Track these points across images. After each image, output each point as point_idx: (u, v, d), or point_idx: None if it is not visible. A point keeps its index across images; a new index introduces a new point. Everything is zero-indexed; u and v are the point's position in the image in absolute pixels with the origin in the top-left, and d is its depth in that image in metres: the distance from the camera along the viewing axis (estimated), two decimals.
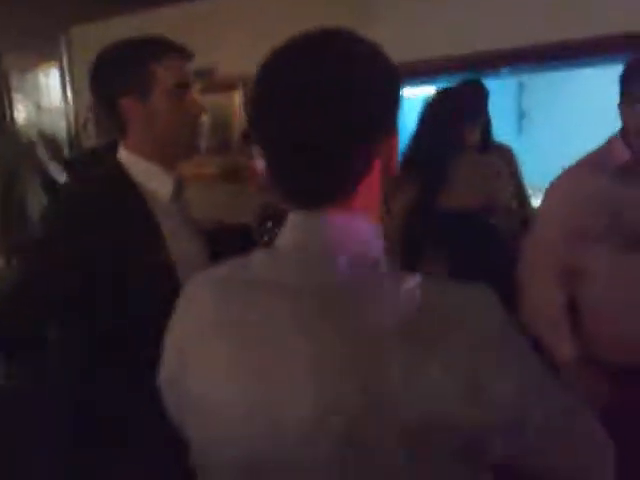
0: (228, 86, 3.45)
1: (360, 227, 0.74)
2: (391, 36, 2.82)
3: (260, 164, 2.40)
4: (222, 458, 0.74)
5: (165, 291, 1.25)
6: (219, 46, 3.45)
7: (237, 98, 3.46)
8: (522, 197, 2.98)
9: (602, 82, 2.58)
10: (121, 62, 1.30)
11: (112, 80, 1.30)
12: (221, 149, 3.56)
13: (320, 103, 0.68)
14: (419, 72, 2.82)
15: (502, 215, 2.29)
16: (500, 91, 4.25)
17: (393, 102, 0.75)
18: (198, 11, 3.49)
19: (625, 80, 1.67)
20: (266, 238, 2.50)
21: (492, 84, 3.35)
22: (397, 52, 3.19)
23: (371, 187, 0.75)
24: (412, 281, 0.69)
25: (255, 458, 0.70)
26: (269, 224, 2.53)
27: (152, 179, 1.35)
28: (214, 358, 0.74)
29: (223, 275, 0.80)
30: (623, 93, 1.67)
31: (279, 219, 2.14)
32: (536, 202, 3.75)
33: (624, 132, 1.70)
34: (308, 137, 0.69)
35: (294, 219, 0.76)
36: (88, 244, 1.20)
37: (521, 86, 4.53)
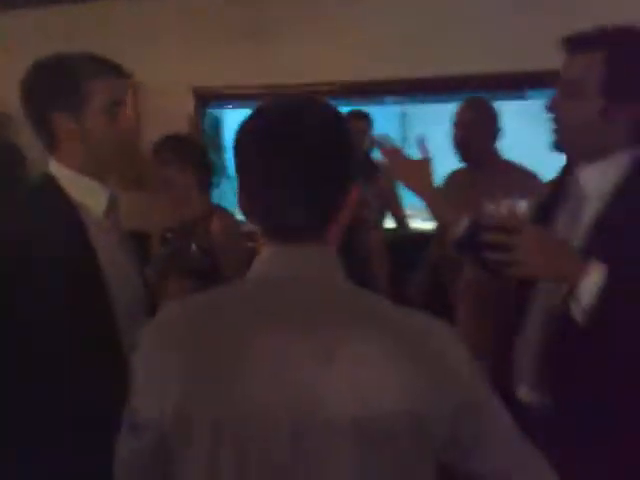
0: None
1: (332, 257, 0.89)
2: (290, 57, 2.97)
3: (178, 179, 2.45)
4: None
5: (97, 307, 1.29)
6: (108, 49, 3.38)
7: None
8: (400, 218, 3.28)
9: None
10: (54, 78, 1.29)
11: (44, 95, 1.29)
12: None
13: (307, 155, 0.82)
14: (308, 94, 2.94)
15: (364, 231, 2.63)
16: (386, 118, 4.52)
17: (354, 158, 0.90)
18: (86, 13, 3.41)
19: None
20: (163, 250, 2.51)
21: (379, 111, 3.55)
22: (294, 73, 3.29)
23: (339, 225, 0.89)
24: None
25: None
26: (169, 235, 2.55)
27: (86, 193, 1.34)
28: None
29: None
30: None
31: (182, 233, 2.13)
32: (415, 222, 4.02)
33: None
34: (297, 183, 0.82)
35: (272, 253, 0.87)
36: (20, 259, 1.20)
37: (403, 114, 4.83)
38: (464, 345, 0.86)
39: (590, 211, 1.29)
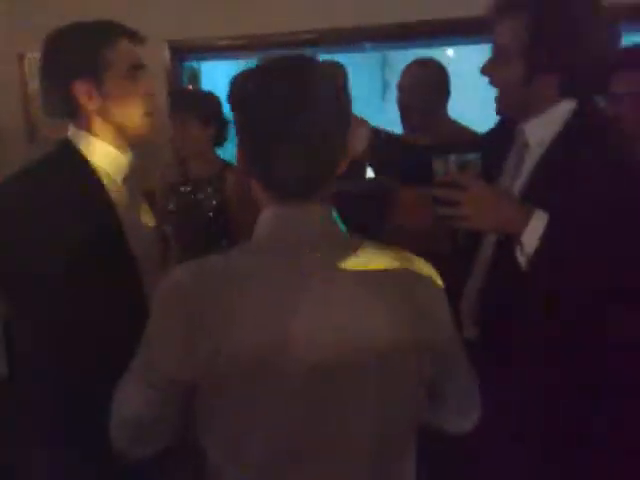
0: None
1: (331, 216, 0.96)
2: (265, 7, 2.90)
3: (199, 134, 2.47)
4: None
5: (122, 264, 1.33)
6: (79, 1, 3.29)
7: None
8: None
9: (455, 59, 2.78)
10: (73, 47, 1.31)
11: (64, 64, 1.31)
12: None
13: (310, 107, 0.87)
14: (286, 43, 2.89)
15: None
16: (367, 64, 4.46)
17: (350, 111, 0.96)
18: None
19: None
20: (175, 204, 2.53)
21: (359, 57, 3.50)
22: (271, 23, 3.23)
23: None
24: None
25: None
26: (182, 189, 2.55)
27: (106, 160, 1.36)
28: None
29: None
30: None
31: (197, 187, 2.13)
32: None
33: None
34: (301, 133, 0.87)
35: (274, 215, 0.94)
36: (44, 228, 1.22)
37: (385, 59, 4.77)
38: (443, 292, 1.00)
39: (531, 159, 1.35)
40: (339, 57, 3.28)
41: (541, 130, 1.34)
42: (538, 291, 1.25)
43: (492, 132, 1.63)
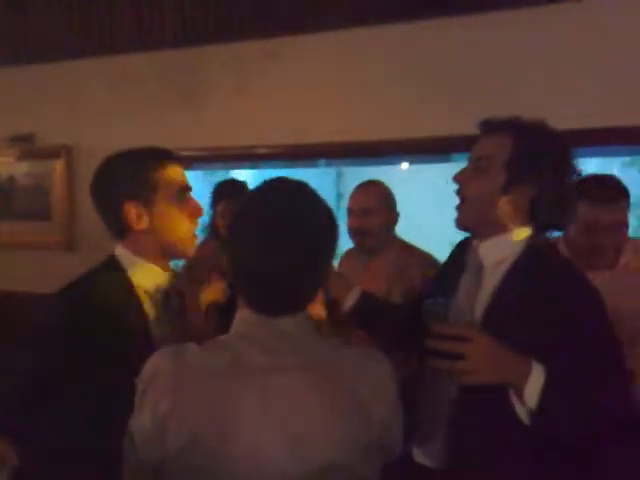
0: (50, 154, 3.36)
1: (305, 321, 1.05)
2: (218, 122, 3.01)
3: None
4: None
5: None
6: (39, 113, 3.37)
7: (59, 167, 3.35)
8: None
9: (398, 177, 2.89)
10: (128, 170, 1.40)
11: (118, 186, 1.40)
12: (38, 216, 3.44)
13: (293, 244, 0.96)
14: (246, 157, 2.99)
15: None
16: (322, 176, 4.63)
17: (335, 243, 1.04)
18: (18, 77, 3.38)
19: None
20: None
21: (314, 171, 3.62)
22: (223, 137, 3.30)
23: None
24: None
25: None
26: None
27: (148, 278, 1.44)
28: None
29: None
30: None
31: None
32: None
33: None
34: (283, 268, 0.96)
35: (250, 318, 1.03)
36: (77, 343, 1.28)
37: (339, 173, 4.96)
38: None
39: (489, 282, 1.41)
40: (293, 170, 3.40)
41: (495, 252, 1.42)
42: (533, 437, 1.27)
43: (451, 256, 1.71)
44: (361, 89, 2.75)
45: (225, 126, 3.00)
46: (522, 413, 1.26)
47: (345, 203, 2.63)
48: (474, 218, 1.46)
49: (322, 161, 3.05)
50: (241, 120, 2.97)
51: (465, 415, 1.37)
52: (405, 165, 3.60)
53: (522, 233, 1.41)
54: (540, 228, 1.43)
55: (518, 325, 1.27)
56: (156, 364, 1.02)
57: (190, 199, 1.48)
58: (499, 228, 1.42)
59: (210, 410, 0.96)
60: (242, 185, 2.85)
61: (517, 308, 1.31)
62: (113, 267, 1.44)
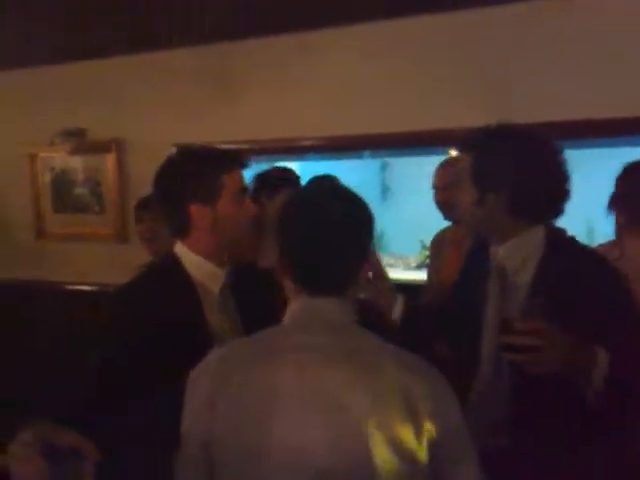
0: (101, 148, 3.45)
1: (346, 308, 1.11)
2: (254, 114, 3.04)
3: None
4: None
5: None
6: (89, 109, 3.47)
7: (110, 160, 3.44)
8: None
9: None
10: (195, 171, 1.44)
11: (184, 186, 1.43)
12: (91, 209, 3.55)
13: (338, 234, 1.08)
14: (286, 150, 3.02)
15: None
16: (366, 168, 4.60)
17: (371, 237, 1.15)
18: (69, 73, 3.48)
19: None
20: None
21: (358, 162, 3.61)
22: (265, 129, 3.33)
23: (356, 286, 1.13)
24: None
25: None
26: None
27: (206, 275, 1.48)
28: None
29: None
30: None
31: None
32: (396, 271, 4.03)
33: None
34: (329, 255, 1.07)
35: (302, 302, 1.11)
36: (141, 340, 1.33)
37: (384, 164, 4.91)
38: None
39: (519, 283, 1.48)
40: (337, 162, 3.40)
41: (515, 253, 1.49)
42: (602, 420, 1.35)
43: (469, 256, 1.77)
44: (404, 79, 2.74)
45: (265, 119, 3.02)
46: (590, 395, 1.31)
47: (391, 196, 2.62)
48: (476, 229, 1.59)
49: (366, 152, 3.04)
50: (281, 113, 2.99)
51: (525, 406, 1.42)
52: (454, 152, 3.56)
53: (535, 232, 1.48)
54: (544, 221, 1.50)
55: (563, 316, 1.29)
56: (208, 357, 1.12)
57: (247, 200, 1.52)
58: (504, 233, 1.49)
59: (251, 391, 1.03)
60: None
61: (557, 300, 1.32)
62: (173, 264, 1.48)
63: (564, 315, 1.29)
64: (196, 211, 1.43)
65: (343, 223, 1.08)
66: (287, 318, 1.11)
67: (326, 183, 1.17)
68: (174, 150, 3.08)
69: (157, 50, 3.24)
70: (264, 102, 3.03)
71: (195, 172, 1.44)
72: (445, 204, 2.47)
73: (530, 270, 1.46)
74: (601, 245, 2.09)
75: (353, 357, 1.03)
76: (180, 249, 1.49)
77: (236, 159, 1.51)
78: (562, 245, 1.48)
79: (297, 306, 1.11)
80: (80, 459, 1.05)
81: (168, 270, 1.49)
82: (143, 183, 3.23)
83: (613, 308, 1.36)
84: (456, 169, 2.46)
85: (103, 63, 3.39)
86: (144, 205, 2.79)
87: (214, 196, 1.43)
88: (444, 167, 2.56)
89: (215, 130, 3.11)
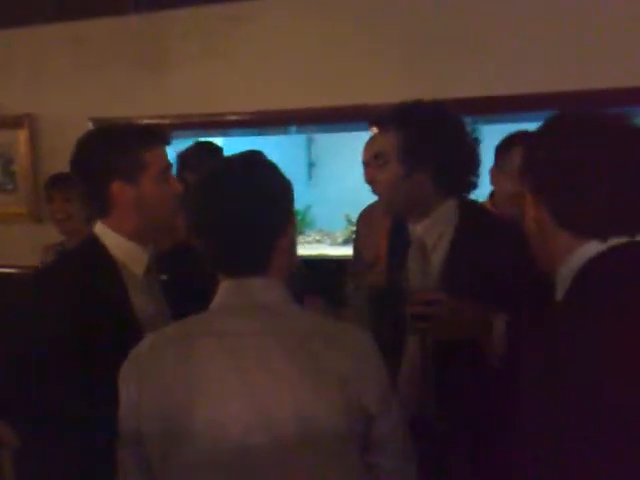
0: (13, 123, 3.27)
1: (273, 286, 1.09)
2: (183, 89, 2.96)
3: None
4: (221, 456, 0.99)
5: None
6: (2, 81, 3.27)
7: (23, 136, 3.27)
8: None
9: None
10: (116, 148, 1.39)
11: (105, 164, 1.38)
12: (7, 187, 3.38)
13: (251, 209, 1.04)
14: (212, 125, 2.96)
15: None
16: (292, 144, 4.59)
17: (290, 208, 1.12)
18: None
19: (500, 149, 2.12)
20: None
21: (284, 138, 3.59)
22: (190, 104, 3.26)
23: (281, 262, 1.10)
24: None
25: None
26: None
27: (129, 256, 1.44)
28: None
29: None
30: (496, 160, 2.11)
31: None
32: (323, 247, 4.06)
33: (493, 195, 2.20)
34: (242, 230, 1.04)
35: (227, 285, 1.09)
36: (66, 324, 1.29)
37: (309, 140, 4.92)
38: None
39: (435, 257, 1.54)
40: (263, 138, 3.37)
41: (433, 229, 1.54)
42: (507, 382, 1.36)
43: (391, 235, 1.79)
44: (330, 53, 2.73)
45: (190, 93, 2.95)
46: (492, 358, 1.37)
47: (317, 171, 2.62)
48: (396, 208, 1.60)
49: (292, 128, 3.03)
50: (207, 87, 2.92)
51: (441, 368, 1.50)
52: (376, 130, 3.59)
53: (449, 205, 1.54)
54: (460, 195, 1.56)
55: (470, 286, 1.39)
56: (133, 350, 1.10)
57: (172, 177, 1.49)
58: (426, 207, 1.54)
59: (173, 379, 1.02)
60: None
61: (467, 271, 1.44)
62: (94, 246, 1.43)
63: (473, 286, 1.39)
64: (118, 189, 1.38)
65: (255, 196, 1.05)
66: (214, 301, 1.10)
67: (243, 157, 1.13)
68: (90, 125, 3.07)
69: (75, 19, 3.08)
70: (188, 75, 2.95)
71: (116, 149, 1.39)
72: (371, 180, 2.49)
73: (445, 245, 1.53)
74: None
75: (277, 336, 1.03)
76: (101, 229, 1.44)
77: (158, 135, 1.47)
78: (474, 218, 1.55)
79: (221, 288, 1.09)
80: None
81: (89, 252, 1.45)
82: (57, 160, 3.12)
83: (517, 275, 1.39)
84: (377, 145, 2.50)
85: (17, 32, 3.20)
86: (54, 183, 2.70)
87: (136, 174, 1.39)
88: (369, 143, 2.52)
89: (135, 104, 3.01)
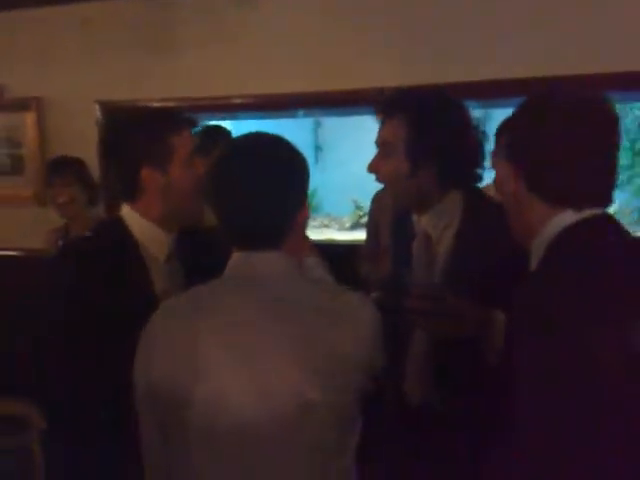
0: (21, 106, 3.26)
1: (282, 260, 1.09)
2: (191, 71, 2.94)
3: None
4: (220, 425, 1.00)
5: None
6: (8, 64, 3.26)
7: (30, 119, 3.26)
8: None
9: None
10: (143, 134, 1.39)
11: (134, 151, 1.39)
12: (13, 171, 3.37)
13: (265, 186, 1.05)
14: (220, 108, 2.94)
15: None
16: (299, 127, 4.56)
17: (306, 184, 1.13)
18: None
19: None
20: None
21: (291, 121, 3.57)
22: (197, 87, 3.25)
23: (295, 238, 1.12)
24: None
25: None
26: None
27: (153, 241, 1.45)
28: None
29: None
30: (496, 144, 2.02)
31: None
32: (331, 232, 4.05)
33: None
34: (255, 208, 1.05)
35: (234, 257, 1.10)
36: (92, 303, 1.31)
37: (317, 123, 4.88)
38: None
39: (440, 250, 1.53)
40: (270, 121, 3.35)
41: (438, 221, 1.51)
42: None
43: (394, 227, 1.77)
44: (338, 36, 2.70)
45: (197, 76, 2.93)
46: (489, 355, 1.35)
47: (324, 155, 2.61)
48: (403, 200, 1.56)
49: (300, 112, 3.00)
50: (214, 70, 2.90)
51: (441, 363, 1.49)
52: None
53: (454, 197, 1.51)
54: (465, 186, 1.53)
55: (475, 278, 1.38)
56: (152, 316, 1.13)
57: (197, 160, 1.48)
58: (430, 200, 1.51)
59: (180, 351, 1.05)
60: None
61: (472, 263, 1.42)
62: (120, 229, 1.44)
63: (478, 278, 1.37)
64: (147, 175, 1.39)
65: (274, 171, 1.07)
66: (224, 274, 1.11)
67: (262, 134, 1.14)
68: (97, 108, 3.06)
69: (82, 1, 3.05)
70: (196, 58, 2.93)
71: (146, 134, 1.39)
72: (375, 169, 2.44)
73: (450, 237, 1.51)
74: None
75: (280, 309, 1.04)
76: (127, 213, 1.45)
77: (185, 118, 1.47)
78: (478, 208, 1.52)
79: (231, 261, 1.10)
80: (26, 427, 1.09)
81: (114, 234, 1.45)
82: (64, 143, 3.12)
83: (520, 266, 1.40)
84: (384, 133, 2.44)
85: (24, 14, 3.17)
86: (55, 168, 2.70)
87: (165, 160, 1.39)
88: (380, 128, 2.50)
89: (142, 87, 3.00)
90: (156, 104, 2.87)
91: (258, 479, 1.01)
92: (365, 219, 4.07)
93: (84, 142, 3.02)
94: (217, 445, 1.01)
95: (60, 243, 2.75)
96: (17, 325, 2.36)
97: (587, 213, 1.01)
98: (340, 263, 2.28)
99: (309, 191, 1.17)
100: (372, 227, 2.41)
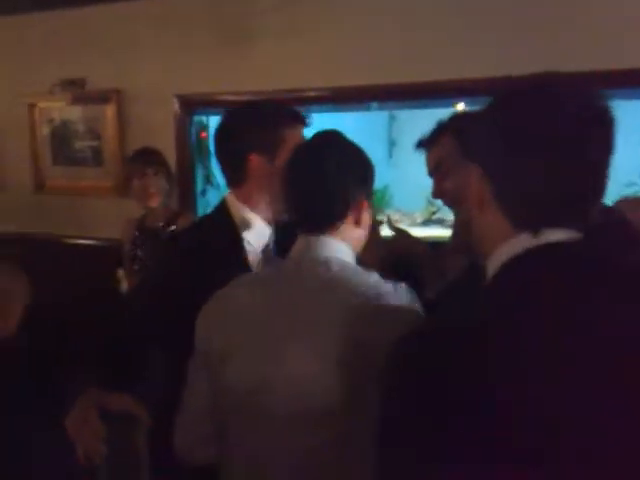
0: (101, 98, 3.36)
1: (338, 246, 1.18)
2: (258, 64, 2.94)
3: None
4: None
5: None
6: (91, 58, 3.36)
7: (110, 111, 3.36)
8: None
9: None
10: (258, 123, 1.46)
11: (247, 137, 1.45)
12: (94, 162, 3.48)
13: (329, 179, 1.16)
14: (293, 101, 2.91)
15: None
16: (373, 121, 4.50)
17: (370, 179, 1.24)
18: (69, 20, 3.36)
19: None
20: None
21: (365, 115, 3.51)
22: (272, 80, 3.26)
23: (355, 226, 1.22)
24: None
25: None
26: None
27: (252, 229, 1.50)
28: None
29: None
30: None
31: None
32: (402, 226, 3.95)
33: None
34: (314, 196, 1.17)
35: (301, 239, 1.20)
36: (189, 283, 1.37)
37: (391, 117, 4.79)
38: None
39: None
40: (344, 115, 3.31)
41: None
42: None
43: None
44: (414, 29, 2.63)
45: (272, 69, 2.92)
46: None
47: (398, 150, 2.55)
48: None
49: (374, 104, 2.95)
50: (288, 63, 2.89)
51: None
52: (461, 107, 3.48)
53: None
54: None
55: None
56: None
57: None
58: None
59: (251, 319, 1.15)
60: None
61: None
62: (224, 212, 1.51)
63: None
64: (255, 161, 1.44)
65: (332, 168, 1.16)
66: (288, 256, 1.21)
67: (325, 135, 1.23)
68: (176, 102, 3.11)
69: None
70: (269, 51, 2.93)
71: (257, 123, 1.46)
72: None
73: None
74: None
75: (323, 295, 1.10)
76: (231, 199, 1.52)
77: (300, 116, 1.51)
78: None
79: (296, 243, 1.20)
80: (133, 422, 1.16)
81: (219, 218, 1.53)
82: (143, 136, 3.19)
83: None
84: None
85: (105, 9, 3.27)
86: (148, 158, 2.74)
87: (274, 148, 1.44)
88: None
89: (217, 81, 3.02)
90: (230, 97, 2.89)
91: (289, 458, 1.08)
92: (438, 215, 3.99)
93: (162, 135, 3.10)
94: (242, 420, 1.13)
95: (136, 234, 2.81)
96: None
97: (544, 239, 0.85)
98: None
99: (381, 186, 1.16)
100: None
